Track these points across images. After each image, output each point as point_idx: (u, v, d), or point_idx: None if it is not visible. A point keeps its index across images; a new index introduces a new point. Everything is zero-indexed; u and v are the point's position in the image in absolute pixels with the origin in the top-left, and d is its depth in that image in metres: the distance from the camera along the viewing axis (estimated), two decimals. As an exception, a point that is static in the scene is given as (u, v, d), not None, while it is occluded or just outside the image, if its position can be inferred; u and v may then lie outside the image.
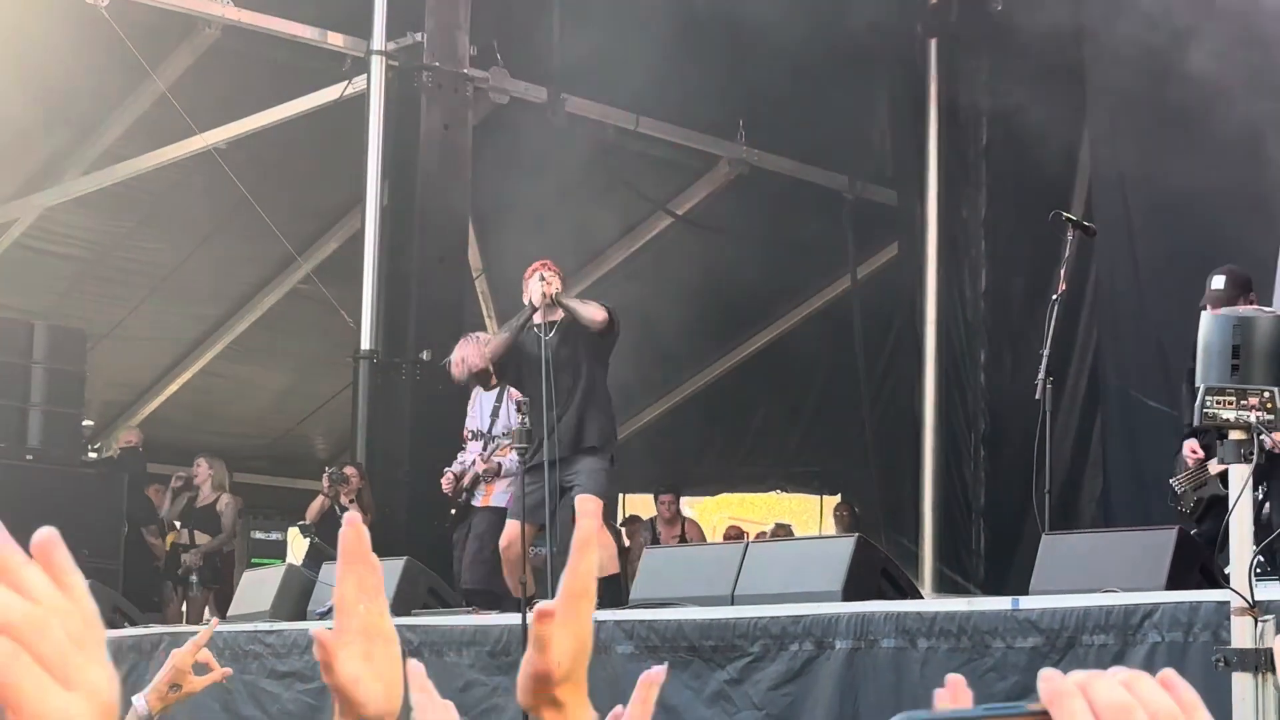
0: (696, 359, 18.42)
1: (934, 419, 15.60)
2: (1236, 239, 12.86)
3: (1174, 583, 8.00)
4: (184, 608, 15.16)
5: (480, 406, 12.42)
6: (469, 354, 11.63)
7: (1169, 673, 1.14)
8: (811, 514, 19.60)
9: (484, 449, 12.21)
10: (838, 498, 18.48)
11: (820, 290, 18.02)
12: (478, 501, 12.10)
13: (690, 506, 21.67)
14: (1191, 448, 9.70)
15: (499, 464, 12.04)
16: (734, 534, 18.14)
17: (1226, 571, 9.03)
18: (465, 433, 12.50)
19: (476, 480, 12.09)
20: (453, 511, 12.47)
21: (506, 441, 11.77)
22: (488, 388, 11.65)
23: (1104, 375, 14.45)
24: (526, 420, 9.31)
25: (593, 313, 10.40)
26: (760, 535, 17.29)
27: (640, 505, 17.95)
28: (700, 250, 16.94)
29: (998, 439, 15.31)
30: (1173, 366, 13.56)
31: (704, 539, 17.03)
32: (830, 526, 18.07)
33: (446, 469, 12.41)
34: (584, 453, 10.49)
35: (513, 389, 11.76)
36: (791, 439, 18.41)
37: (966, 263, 15.73)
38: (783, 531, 17.83)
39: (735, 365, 18.61)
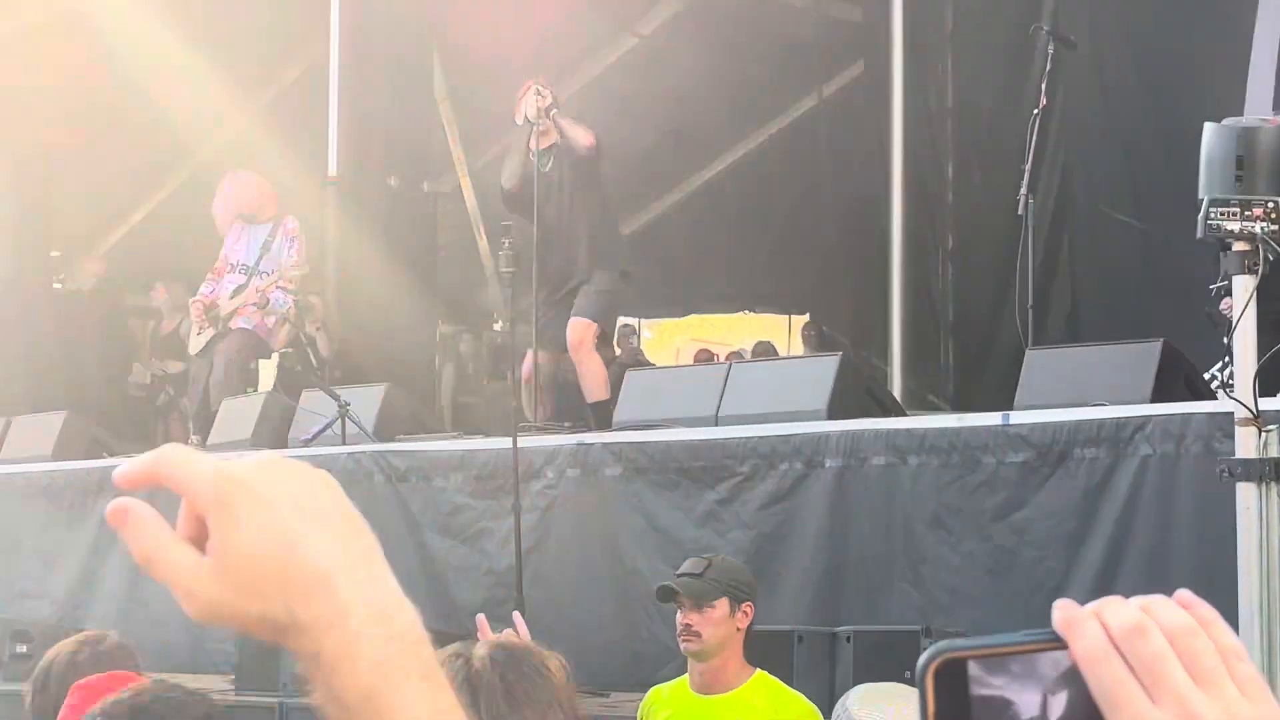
0: (660, 182, 18.34)
1: (901, 236, 15.56)
2: (1204, 55, 12.86)
3: (1159, 395, 8.06)
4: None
5: (248, 239, 12.50)
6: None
7: (1185, 592, 1.14)
8: (779, 334, 19.62)
9: (249, 281, 12.30)
10: (806, 317, 18.49)
11: (785, 110, 17.93)
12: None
13: (649, 329, 21.69)
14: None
15: (269, 298, 12.18)
16: (704, 357, 18.15)
17: (1208, 380, 9.10)
18: (222, 263, 12.57)
19: (232, 312, 12.29)
20: (204, 340, 12.54)
21: (276, 279, 12.11)
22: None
23: (1073, 192, 14.46)
24: (513, 244, 9.25)
25: (580, 136, 10.49)
26: (733, 355, 17.30)
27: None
28: (662, 71, 16.81)
29: (965, 255, 15.32)
30: (1140, 181, 13.59)
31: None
32: (798, 346, 18.10)
33: (194, 299, 12.58)
34: (587, 274, 10.59)
35: (288, 224, 12.03)
36: (758, 259, 18.38)
37: (933, 79, 15.64)
38: (764, 350, 17.82)
39: (699, 188, 18.54)
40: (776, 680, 6.27)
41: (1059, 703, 1.11)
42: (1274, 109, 13.05)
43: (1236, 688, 1.11)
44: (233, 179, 12.98)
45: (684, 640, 6.16)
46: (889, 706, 2.39)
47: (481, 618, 4.46)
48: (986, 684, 1.11)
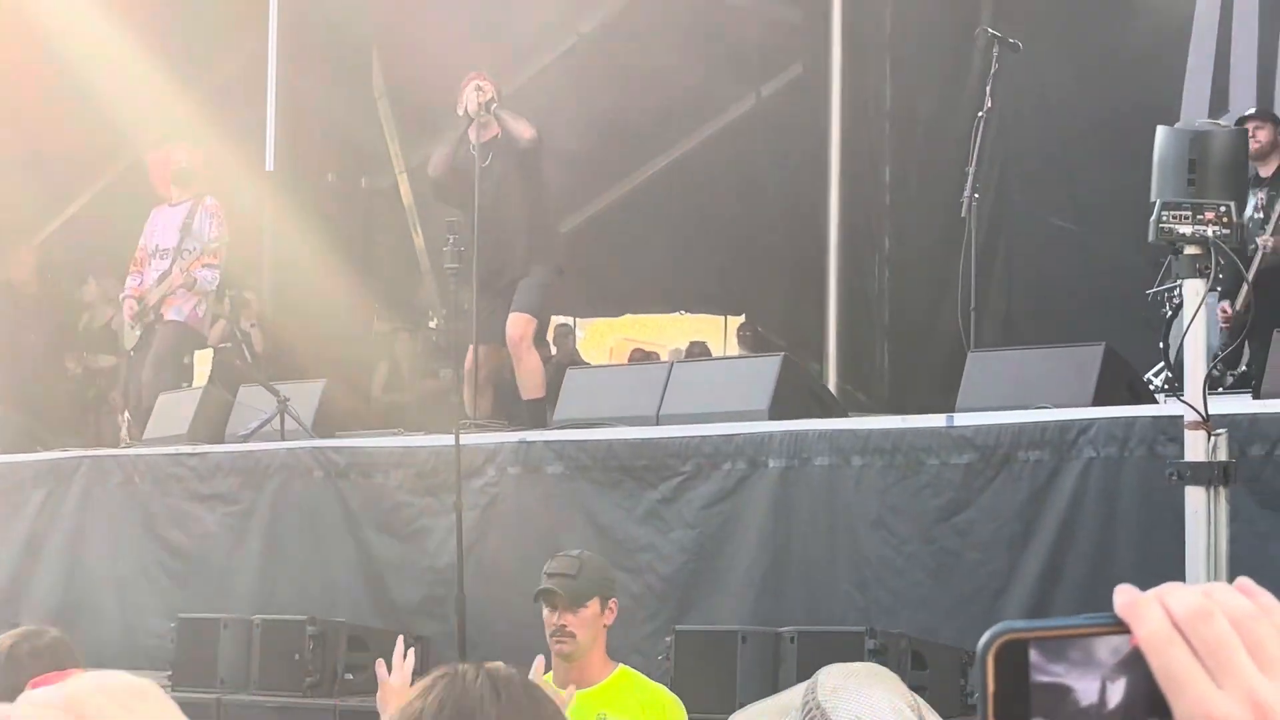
0: (597, 181, 18.30)
1: (838, 238, 15.59)
2: (1141, 59, 12.94)
3: (1101, 399, 8.09)
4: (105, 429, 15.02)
5: (165, 223, 12.43)
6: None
7: (1245, 580, 1.15)
8: (714, 334, 19.61)
9: (172, 265, 12.23)
10: (741, 318, 18.49)
11: (723, 110, 17.92)
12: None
13: (582, 329, 21.64)
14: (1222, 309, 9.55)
15: (195, 277, 12.10)
16: (639, 357, 18.12)
17: (1148, 382, 9.13)
18: (141, 251, 12.50)
19: (161, 298, 12.19)
20: (139, 334, 12.43)
21: (200, 255, 12.04)
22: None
23: (1010, 195, 14.52)
24: (457, 240, 9.17)
25: (521, 129, 10.48)
26: (653, 354, 17.30)
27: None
28: (601, 70, 16.78)
29: (902, 258, 15.37)
30: (1078, 185, 13.65)
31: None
32: (733, 347, 18.10)
33: (124, 295, 12.49)
34: (525, 268, 10.56)
35: (206, 201, 11.98)
36: (695, 259, 18.37)
37: (871, 81, 15.68)
38: (699, 350, 17.82)
39: (636, 187, 18.49)
40: (639, 674, 6.31)
41: (1118, 689, 1.11)
42: (1210, 113, 13.14)
43: None
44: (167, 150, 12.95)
45: (557, 642, 6.10)
46: (865, 695, 2.32)
47: (539, 661, 4.55)
48: (1046, 670, 1.11)
